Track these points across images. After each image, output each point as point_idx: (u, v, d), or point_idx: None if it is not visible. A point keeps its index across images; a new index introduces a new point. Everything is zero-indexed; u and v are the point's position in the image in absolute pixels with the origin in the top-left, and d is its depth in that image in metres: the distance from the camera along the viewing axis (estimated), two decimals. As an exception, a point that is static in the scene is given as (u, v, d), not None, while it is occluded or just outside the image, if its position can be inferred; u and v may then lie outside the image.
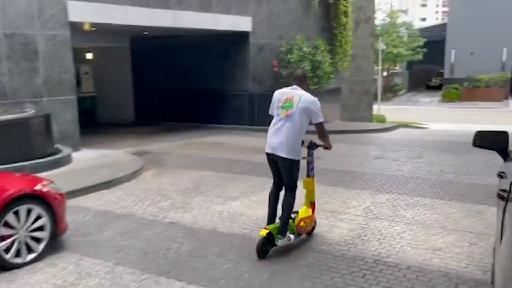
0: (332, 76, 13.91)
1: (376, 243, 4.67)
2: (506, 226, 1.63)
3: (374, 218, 5.51)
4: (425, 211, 5.72)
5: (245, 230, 5.12)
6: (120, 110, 15.80)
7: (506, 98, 33.78)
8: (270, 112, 4.53)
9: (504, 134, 3.31)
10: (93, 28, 11.11)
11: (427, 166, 8.48)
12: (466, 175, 7.71)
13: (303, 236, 4.73)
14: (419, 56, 37.38)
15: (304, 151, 4.70)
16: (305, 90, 4.49)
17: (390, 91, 38.90)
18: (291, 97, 4.36)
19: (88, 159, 8.70)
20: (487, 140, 3.38)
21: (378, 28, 32.19)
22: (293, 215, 4.52)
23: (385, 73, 36.89)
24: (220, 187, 7.01)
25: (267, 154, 4.49)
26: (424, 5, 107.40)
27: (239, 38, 13.20)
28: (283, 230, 4.31)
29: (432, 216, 5.52)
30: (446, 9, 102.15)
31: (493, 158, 8.90)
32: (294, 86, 4.49)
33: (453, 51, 35.92)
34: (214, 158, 9.41)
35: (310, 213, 4.72)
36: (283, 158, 4.35)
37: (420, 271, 3.99)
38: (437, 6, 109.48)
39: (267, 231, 4.23)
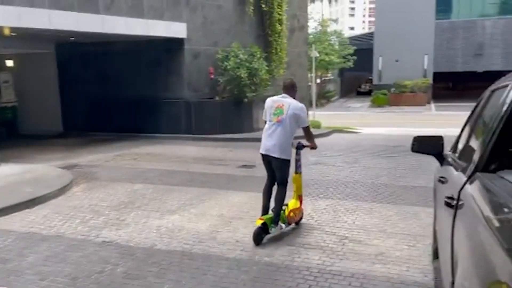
0: (269, 83, 13.98)
1: (319, 251, 4.62)
2: (460, 239, 1.57)
3: (316, 225, 5.48)
4: (364, 215, 5.81)
5: (185, 245, 4.86)
6: (47, 120, 14.77)
7: (429, 102, 36.17)
8: (263, 118, 5.12)
9: (440, 139, 3.39)
10: (13, 33, 10.25)
11: (363, 170, 8.71)
12: (399, 178, 7.99)
13: (293, 225, 5.30)
14: (350, 64, 38.97)
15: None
16: (293, 98, 4.99)
17: (323, 98, 40.13)
18: (281, 105, 4.91)
19: (8, 175, 7.93)
20: (425, 145, 3.45)
21: (311, 36, 33.13)
22: (283, 207, 5.07)
23: (318, 80, 38.02)
24: (157, 201, 6.67)
25: (262, 154, 5.01)
26: (352, 15, 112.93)
27: (173, 45, 12.86)
28: (276, 220, 4.93)
29: (371, 220, 5.60)
30: (372, 19, 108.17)
31: (423, 160, 9.35)
32: (284, 95, 5.02)
33: (380, 59, 37.83)
34: (149, 170, 9.00)
35: (298, 205, 5.35)
36: (276, 158, 4.89)
37: (364, 277, 3.98)
38: (364, 16, 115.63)
39: (262, 221, 4.83)
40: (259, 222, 4.83)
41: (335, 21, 44.93)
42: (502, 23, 35.62)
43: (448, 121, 25.40)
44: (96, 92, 13.98)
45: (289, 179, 5.15)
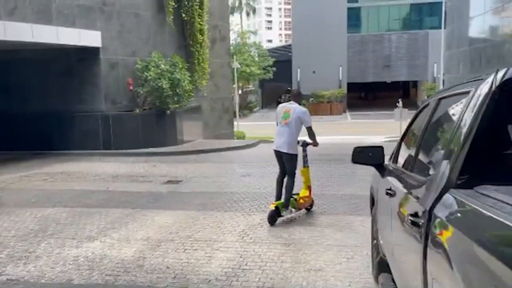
0: (192, 94, 13.57)
1: (258, 271, 4.34)
2: (442, 264, 1.37)
3: (252, 242, 5.20)
4: (299, 228, 5.65)
5: (108, 277, 4.30)
6: None
7: (345, 111, 38.02)
8: (276, 122, 6.12)
9: (380, 149, 3.30)
10: None
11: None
12: (329, 187, 8.03)
13: (303, 210, 6.30)
14: (270, 75, 39.76)
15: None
16: (299, 104, 6.06)
17: (246, 108, 40.45)
18: (288, 109, 5.96)
19: None
20: (365, 156, 3.34)
21: (231, 47, 33.26)
22: (295, 196, 6.11)
23: (240, 92, 38.25)
24: (74, 226, 5.95)
25: (274, 150, 6.11)
26: (269, 28, 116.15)
27: (87, 54, 11.96)
28: (286, 204, 5.93)
29: (307, 233, 5.45)
30: (289, 32, 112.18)
31: (348, 168, 9.55)
32: (291, 102, 6.08)
33: (298, 70, 39.06)
34: (63, 191, 8.13)
35: (308, 194, 6.22)
36: (285, 153, 5.95)
37: (308, 297, 3.77)
38: (281, 29, 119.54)
39: (275, 205, 5.86)
40: (272, 206, 5.86)
41: (254, 33, 45.76)
42: (406, 37, 38.65)
43: (363, 128, 26.88)
44: (0, 106, 12.53)
45: (298, 172, 6.08)
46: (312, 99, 38.17)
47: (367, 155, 3.31)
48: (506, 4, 8.67)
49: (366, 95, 49.65)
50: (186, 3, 14.12)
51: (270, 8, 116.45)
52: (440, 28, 31.10)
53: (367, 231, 5.37)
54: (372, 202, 4.03)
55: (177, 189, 8.17)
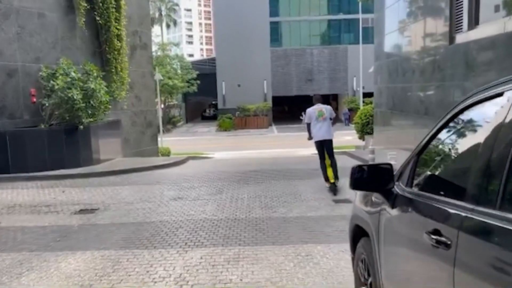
0: (109, 106, 11.93)
1: None
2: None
3: (193, 292, 3.98)
4: (251, 267, 4.52)
5: None
6: None
7: (271, 125, 37.84)
8: (307, 121, 8.30)
9: (388, 168, 2.32)
10: None
11: (232, 202, 7.51)
12: (274, 209, 7.00)
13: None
14: (194, 88, 38.48)
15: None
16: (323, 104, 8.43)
17: (169, 123, 38.65)
18: (321, 109, 8.13)
19: None
20: (368, 180, 2.33)
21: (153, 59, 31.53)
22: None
23: (162, 106, 36.43)
24: None
25: (320, 141, 8.10)
26: (190, 43, 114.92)
27: (-24, 59, 9.92)
28: (337, 176, 8.00)
29: (262, 273, 4.34)
30: (209, 46, 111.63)
31: (287, 186, 8.65)
32: (318, 104, 8.26)
33: (223, 83, 38.26)
34: None
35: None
36: (330, 140, 8.13)
37: None
38: (202, 43, 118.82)
39: (332, 181, 7.98)
40: (332, 180, 7.96)
41: (177, 44, 44.31)
42: (326, 52, 39.66)
43: (290, 141, 26.59)
44: None
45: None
46: (238, 112, 37.50)
47: (371, 178, 2.31)
48: (407, 25, 9.61)
49: (289, 109, 50.22)
50: (101, 4, 12.51)
51: (191, 23, 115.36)
52: (358, 43, 32.23)
53: (333, 266, 4.41)
54: (357, 237, 3.05)
55: (92, 220, 6.64)
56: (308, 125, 8.24)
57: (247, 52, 36.93)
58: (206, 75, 40.58)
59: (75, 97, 10.39)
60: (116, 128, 13.29)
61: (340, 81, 39.71)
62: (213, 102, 47.22)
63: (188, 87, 38.08)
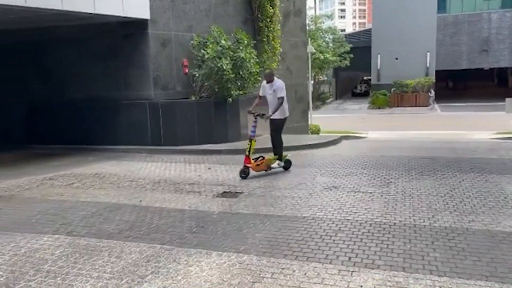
0: (259, 78, 10.99)
1: None
2: None
3: None
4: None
5: None
6: (-22, 130, 11.64)
7: (433, 103, 33.49)
8: None
9: None
10: None
11: (405, 199, 5.73)
12: (469, 215, 5.01)
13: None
14: (347, 62, 36.21)
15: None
16: None
17: (318, 99, 37.35)
18: None
19: None
20: None
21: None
22: None
23: (312, 81, 35.19)
24: (59, 279, 3.61)
25: None
26: (342, 17, 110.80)
27: (133, 29, 9.85)
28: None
29: None
30: (363, 20, 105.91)
31: (478, 179, 6.41)
32: None
33: (378, 57, 35.08)
34: (82, 205, 5.95)
35: None
36: None
37: None
38: (354, 17, 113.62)
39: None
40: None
41: (330, 16, 42.22)
42: (509, 16, 33.08)
43: (459, 123, 22.74)
44: (37, 93, 10.90)
45: None
46: (394, 88, 34.09)
47: None
48: None
49: (455, 85, 44.13)
50: (254, -33, 11.55)
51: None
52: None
53: None
54: None
55: (234, 207, 5.64)
56: None
57: (409, 21, 32.97)
58: (359, 49, 37.82)
59: (224, 67, 9.66)
60: (264, 102, 12.36)
61: (525, 51, 32.91)
62: (365, 78, 44.16)
63: (340, 61, 35.96)
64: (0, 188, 7.01)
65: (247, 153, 7.17)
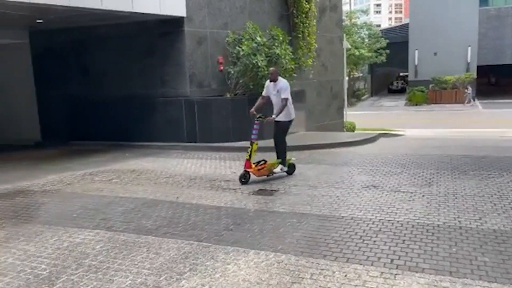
0: (295, 75, 10.89)
1: None
2: None
3: None
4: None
5: None
6: (22, 127, 12.13)
7: (473, 99, 32.25)
8: None
9: None
10: None
11: (448, 200, 5.50)
12: (520, 218, 4.75)
13: None
14: (382, 58, 35.40)
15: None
16: None
17: (353, 96, 36.75)
18: None
19: None
20: None
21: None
22: None
23: (347, 77, 34.67)
24: (100, 273, 3.67)
25: None
26: (378, 12, 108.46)
27: (170, 27, 9.95)
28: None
29: None
30: (399, 15, 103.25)
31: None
32: None
33: (416, 52, 34.10)
34: (120, 200, 6.05)
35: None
36: None
37: None
38: (390, 12, 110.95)
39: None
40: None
41: (365, 11, 41.37)
42: (558, 8, 31.40)
43: (501, 120, 21.75)
44: (78, 91, 11.22)
45: None
46: (432, 85, 33.07)
47: None
48: None
49: (497, 81, 42.29)
50: (290, -38, 11.42)
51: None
52: None
53: None
54: None
55: (270, 205, 5.58)
56: None
57: (449, 15, 31.87)
58: (395, 44, 36.89)
59: (259, 63, 9.61)
60: (300, 99, 12.24)
61: None
62: (401, 74, 43.03)
63: (376, 57, 35.20)
64: (45, 182, 7.24)
65: (247, 157, 6.67)
